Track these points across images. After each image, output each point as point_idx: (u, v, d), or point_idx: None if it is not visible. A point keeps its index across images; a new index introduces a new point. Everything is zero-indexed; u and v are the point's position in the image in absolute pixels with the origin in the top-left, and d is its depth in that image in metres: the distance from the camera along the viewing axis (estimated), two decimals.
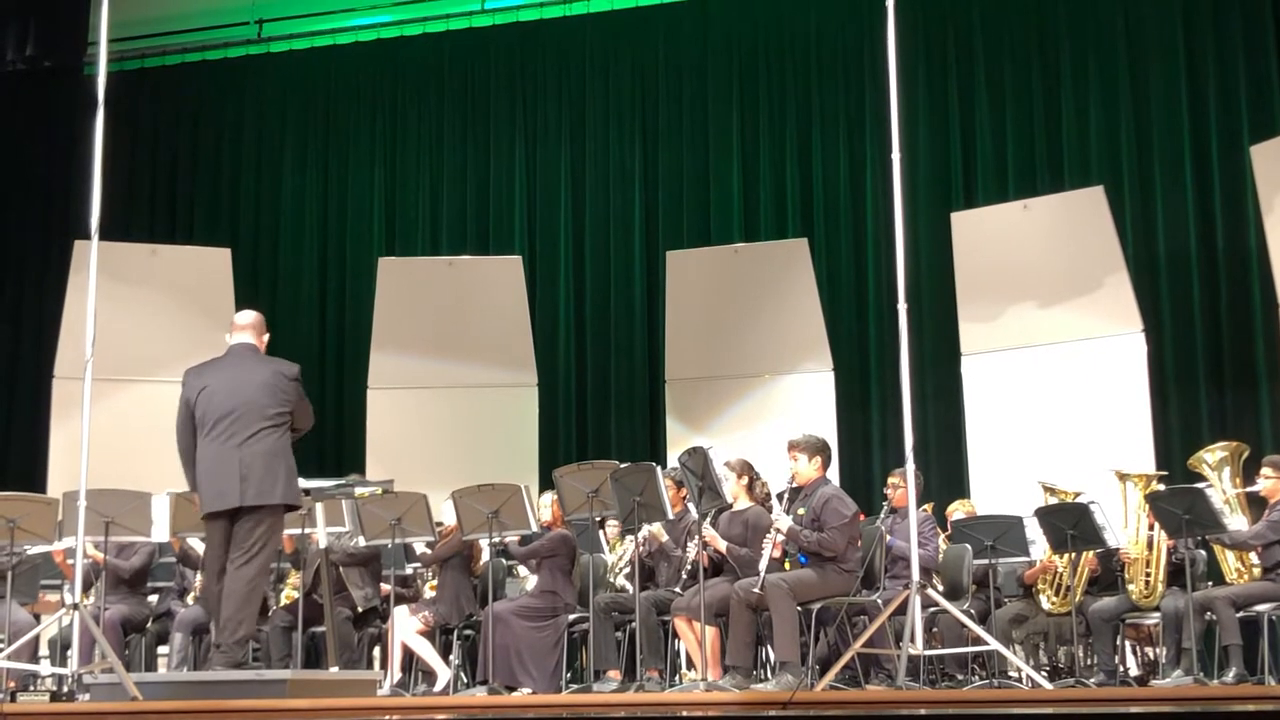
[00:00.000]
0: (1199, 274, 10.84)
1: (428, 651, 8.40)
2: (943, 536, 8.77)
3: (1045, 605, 8.25)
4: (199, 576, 8.64)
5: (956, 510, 9.18)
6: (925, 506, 8.67)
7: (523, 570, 8.94)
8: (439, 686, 8.26)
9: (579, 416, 12.36)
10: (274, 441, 6.51)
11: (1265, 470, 7.82)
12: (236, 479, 6.43)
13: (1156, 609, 7.77)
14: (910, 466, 6.80)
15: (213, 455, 6.49)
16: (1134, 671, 8.50)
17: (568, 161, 12.78)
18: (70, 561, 7.47)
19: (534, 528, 8.08)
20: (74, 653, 6.98)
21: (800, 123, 12.22)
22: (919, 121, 11.47)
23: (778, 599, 7.18)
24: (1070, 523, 7.72)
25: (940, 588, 7.98)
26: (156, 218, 13.23)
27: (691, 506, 7.74)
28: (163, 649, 8.83)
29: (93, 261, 6.75)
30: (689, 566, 7.87)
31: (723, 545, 7.69)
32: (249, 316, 6.90)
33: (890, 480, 8.59)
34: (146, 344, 10.80)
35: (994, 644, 7.03)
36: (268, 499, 6.46)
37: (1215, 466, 8.08)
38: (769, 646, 7.58)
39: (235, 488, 6.43)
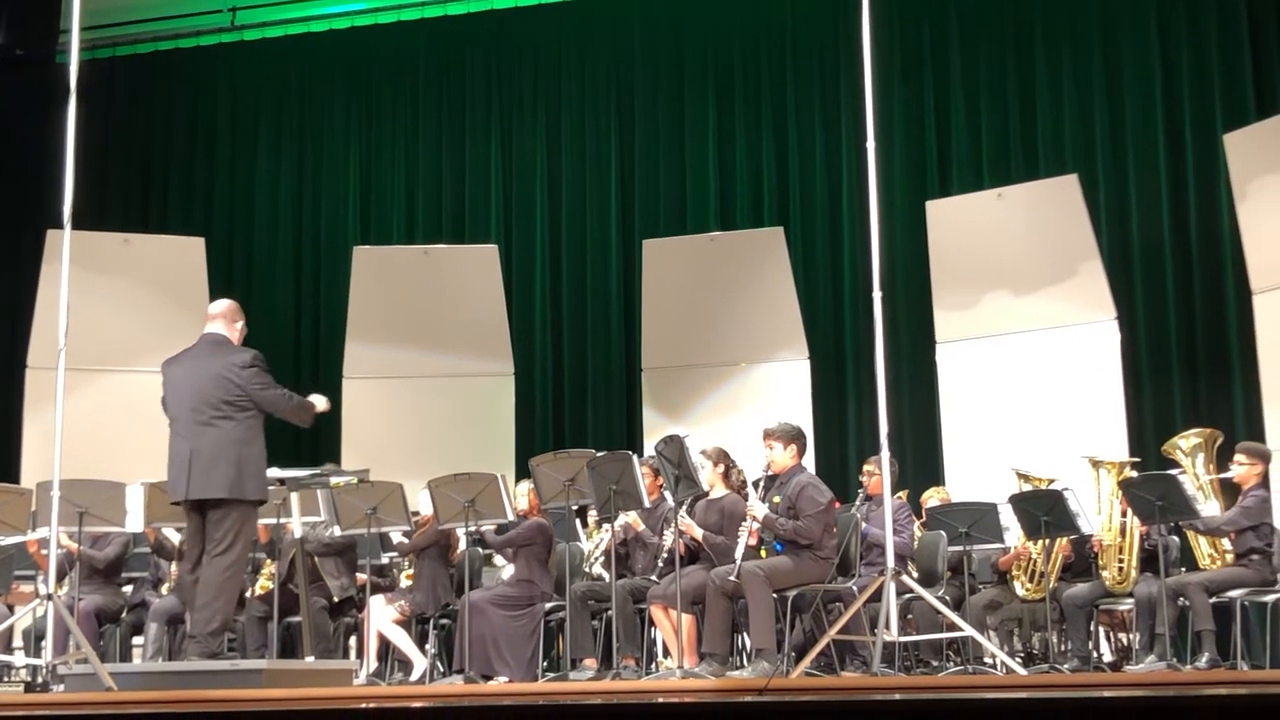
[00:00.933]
0: (1172, 262, 10.89)
1: (404, 641, 8.40)
2: (918, 523, 8.79)
3: (1019, 591, 8.29)
4: (174, 567, 8.64)
5: (931, 497, 9.22)
6: (900, 494, 8.70)
7: (499, 559, 8.94)
8: (415, 675, 8.26)
9: (556, 405, 12.37)
10: (223, 433, 6.51)
11: (1238, 457, 7.87)
12: (185, 471, 6.47)
13: (1130, 595, 7.81)
14: (885, 454, 6.81)
15: (171, 447, 6.60)
16: (1107, 657, 8.55)
17: (544, 150, 12.76)
18: (44, 552, 7.45)
19: (510, 517, 8.09)
20: (48, 644, 6.96)
21: (776, 111, 12.22)
22: (894, 110, 11.48)
23: (754, 586, 7.20)
24: (1044, 509, 7.76)
25: (915, 574, 8.00)
26: (130, 207, 13.18)
27: (668, 495, 7.76)
28: (137, 640, 8.82)
29: (65, 251, 6.72)
30: (665, 554, 7.89)
31: (699, 533, 7.71)
32: (220, 306, 6.91)
33: (865, 468, 8.61)
34: (120, 334, 10.76)
35: (969, 630, 7.05)
36: (210, 491, 6.45)
37: (1189, 453, 8.13)
38: (745, 633, 7.61)
39: (183, 480, 6.49)
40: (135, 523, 8.20)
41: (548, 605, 8.22)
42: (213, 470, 6.46)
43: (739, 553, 7.33)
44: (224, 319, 6.82)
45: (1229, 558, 7.78)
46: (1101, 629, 8.60)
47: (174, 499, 6.61)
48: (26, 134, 12.77)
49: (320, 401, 7.02)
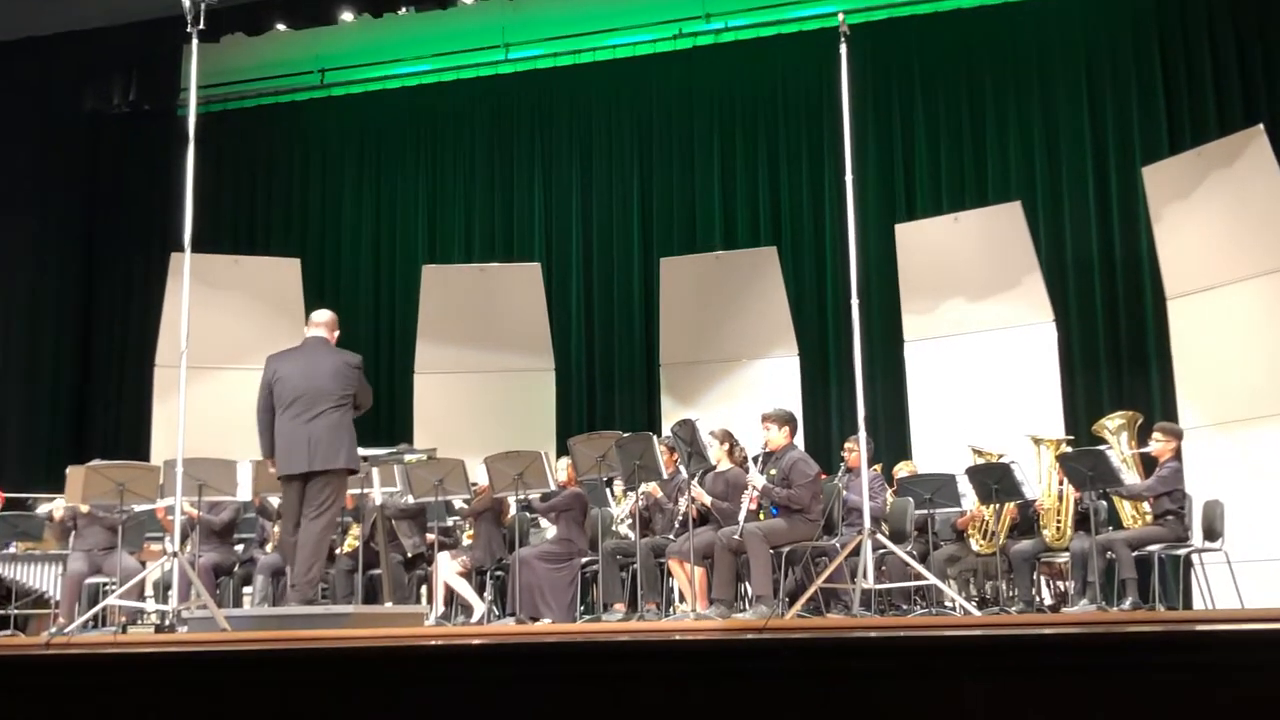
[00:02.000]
0: (1100, 273, 10.84)
1: (466, 589, 8.42)
2: (890, 491, 8.76)
3: (974, 547, 8.26)
4: (276, 528, 8.66)
5: (901, 469, 9.18)
6: (875, 466, 8.67)
7: (544, 522, 8.94)
8: (475, 618, 8.27)
9: (588, 395, 12.36)
10: (338, 417, 6.54)
11: (1155, 435, 7.83)
12: (306, 449, 6.47)
13: (1066, 549, 7.77)
14: (862, 434, 6.80)
15: (288, 430, 6.53)
16: (1048, 601, 8.50)
17: (578, 184, 12.76)
18: (170, 517, 7.47)
19: (552, 486, 8.09)
20: (174, 592, 6.99)
21: (770, 150, 12.19)
22: (868, 148, 11.44)
23: (754, 543, 7.19)
24: (995, 479, 7.72)
25: (887, 533, 7.98)
26: (238, 233, 13.22)
27: (682, 468, 7.75)
28: (247, 589, 8.84)
29: (186, 270, 6.73)
30: (680, 517, 7.88)
31: (708, 500, 7.70)
32: (324, 315, 6.90)
33: (846, 445, 8.59)
34: (230, 338, 10.79)
35: (932, 579, 7.04)
36: (332, 464, 6.49)
37: (1114, 432, 8.09)
38: (747, 583, 7.59)
39: (305, 456, 6.48)
40: (245, 492, 8.24)
41: (584, 560, 8.22)
42: (333, 447, 6.47)
43: (742, 516, 7.32)
44: (327, 327, 6.82)
45: (1148, 518, 7.74)
46: (1043, 578, 8.55)
47: (297, 471, 6.46)
48: (154, 174, 12.85)
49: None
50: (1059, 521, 7.87)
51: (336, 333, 6.90)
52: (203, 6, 6.99)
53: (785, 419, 7.66)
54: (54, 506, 8.78)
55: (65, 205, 12.94)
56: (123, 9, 11.14)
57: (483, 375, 11.21)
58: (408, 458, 8.04)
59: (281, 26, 11.48)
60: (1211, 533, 7.63)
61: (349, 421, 6.61)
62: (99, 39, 11.58)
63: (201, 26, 7.00)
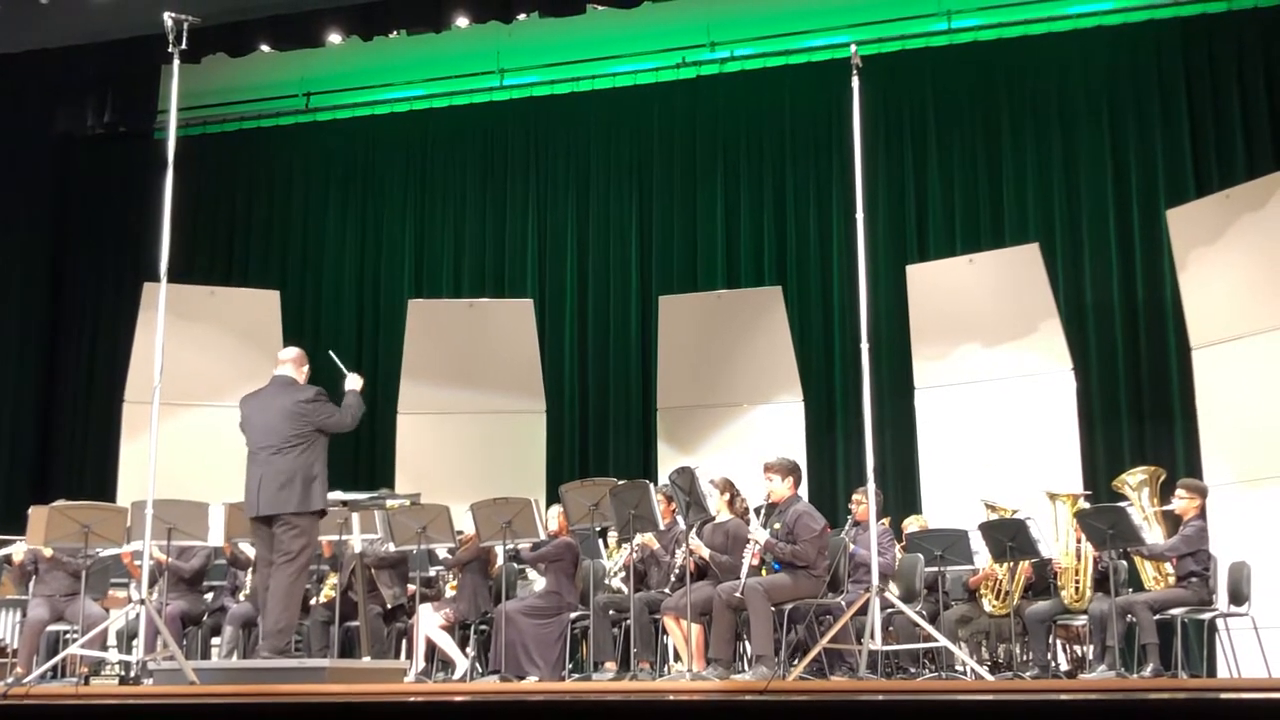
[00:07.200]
0: (1121, 321, 10.89)
1: (448, 644, 8.40)
2: (899, 547, 8.76)
3: (987, 608, 8.26)
4: (249, 577, 8.66)
5: (911, 524, 9.19)
6: (883, 520, 8.67)
7: (532, 573, 8.94)
8: (457, 675, 8.26)
9: (581, 439, 12.36)
10: (292, 458, 6.64)
11: (1179, 492, 7.85)
12: (256, 491, 6.60)
13: (1084, 612, 7.78)
14: (871, 486, 6.82)
15: (248, 471, 6.73)
16: (1064, 666, 8.49)
17: (574, 217, 12.81)
18: (137, 562, 7.47)
19: (542, 536, 8.10)
20: (140, 642, 6.97)
21: (776, 185, 12.26)
22: (879, 185, 11.51)
23: (755, 600, 7.18)
24: (1009, 536, 7.74)
25: (896, 591, 7.98)
26: (215, 263, 13.25)
27: (680, 518, 7.75)
28: (215, 640, 8.82)
29: (161, 301, 6.78)
30: (677, 571, 7.88)
31: (706, 553, 7.70)
32: (289, 352, 7.06)
33: (854, 497, 8.61)
34: (205, 373, 10.79)
35: (943, 641, 7.04)
36: (281, 508, 6.58)
37: (1135, 488, 8.11)
38: (747, 641, 7.58)
39: (255, 498, 6.62)
40: (216, 537, 8.24)
41: (573, 614, 8.21)
42: (281, 490, 6.57)
43: (744, 571, 7.32)
44: (293, 363, 6.96)
45: (1171, 580, 7.75)
46: (1059, 641, 8.54)
47: (249, 515, 6.72)
48: (128, 200, 12.92)
49: (355, 382, 7.05)
50: (1077, 582, 7.87)
51: (306, 367, 6.99)
52: (185, 26, 7.07)
53: (789, 469, 7.66)
54: (14, 549, 8.77)
55: (30, 230, 12.96)
56: (100, 27, 11.20)
57: (470, 417, 11.21)
58: (389, 503, 8.03)
59: (266, 48, 11.54)
60: (1237, 596, 7.64)
61: (306, 462, 6.65)
62: (74, 57, 11.64)
63: (184, 46, 7.08)
